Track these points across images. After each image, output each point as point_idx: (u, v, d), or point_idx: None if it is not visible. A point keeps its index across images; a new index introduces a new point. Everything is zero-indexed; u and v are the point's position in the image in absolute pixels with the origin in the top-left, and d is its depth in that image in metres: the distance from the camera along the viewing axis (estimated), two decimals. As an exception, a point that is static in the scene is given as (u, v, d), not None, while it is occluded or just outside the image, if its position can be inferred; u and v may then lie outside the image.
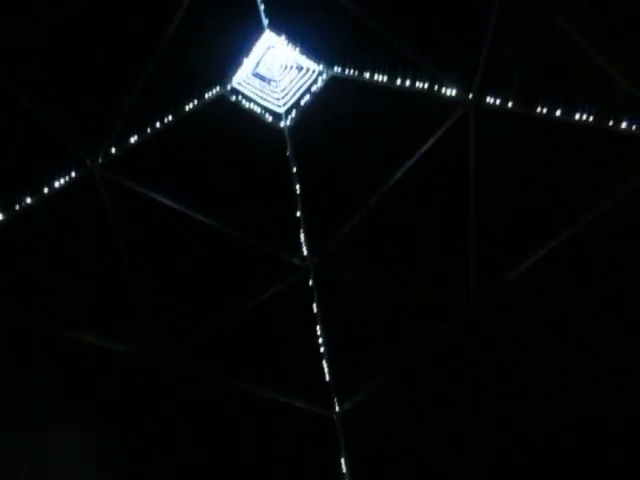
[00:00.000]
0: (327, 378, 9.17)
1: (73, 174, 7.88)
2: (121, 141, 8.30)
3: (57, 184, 7.75)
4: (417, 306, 8.90)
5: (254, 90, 9.84)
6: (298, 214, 9.55)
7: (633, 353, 7.08)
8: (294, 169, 9.49)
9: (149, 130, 8.60)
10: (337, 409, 8.99)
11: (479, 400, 7.82)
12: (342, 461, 8.60)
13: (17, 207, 7.43)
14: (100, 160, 8.15)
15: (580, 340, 7.28)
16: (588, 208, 7.08)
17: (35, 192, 7.53)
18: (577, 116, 6.85)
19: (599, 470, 6.69)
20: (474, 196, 8.00)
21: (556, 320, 7.59)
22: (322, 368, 9.24)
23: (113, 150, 8.28)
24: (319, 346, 9.31)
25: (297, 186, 9.50)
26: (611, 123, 6.61)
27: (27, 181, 7.37)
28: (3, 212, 7.38)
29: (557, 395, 7.17)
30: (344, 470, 8.57)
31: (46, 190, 7.63)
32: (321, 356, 9.28)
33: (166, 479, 8.06)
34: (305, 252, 9.48)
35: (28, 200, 7.49)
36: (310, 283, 9.40)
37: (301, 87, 9.64)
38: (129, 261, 8.55)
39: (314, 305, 9.46)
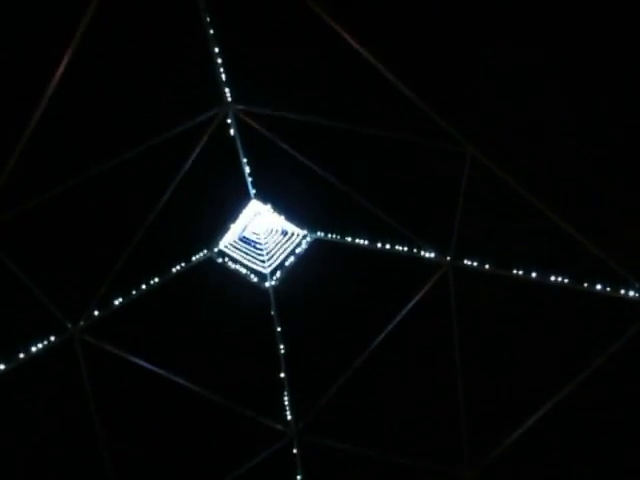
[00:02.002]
0: None
1: (52, 338, 7.79)
2: (105, 304, 8.34)
3: (34, 348, 7.62)
4: (407, 474, 8.44)
5: (240, 253, 10.16)
6: (282, 375, 9.36)
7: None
8: (278, 329, 9.48)
9: (134, 292, 8.69)
10: None
11: None
12: None
13: (-10, 373, 7.23)
14: (82, 323, 8.11)
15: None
16: (570, 368, 7.06)
17: (10, 357, 7.37)
18: (552, 278, 7.07)
19: None
20: (460, 356, 7.96)
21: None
22: None
23: (96, 313, 8.28)
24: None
25: (281, 346, 9.42)
26: (585, 285, 6.83)
27: (2, 344, 7.25)
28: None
29: None
30: None
31: (22, 355, 7.48)
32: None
33: None
34: (289, 417, 9.15)
35: (1, 367, 7.31)
36: (294, 450, 8.96)
37: (286, 249, 9.98)
38: (102, 427, 8.17)
39: (298, 475, 8.97)
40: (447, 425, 8.33)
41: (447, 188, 7.34)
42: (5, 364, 7.32)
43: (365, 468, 8.79)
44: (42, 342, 7.65)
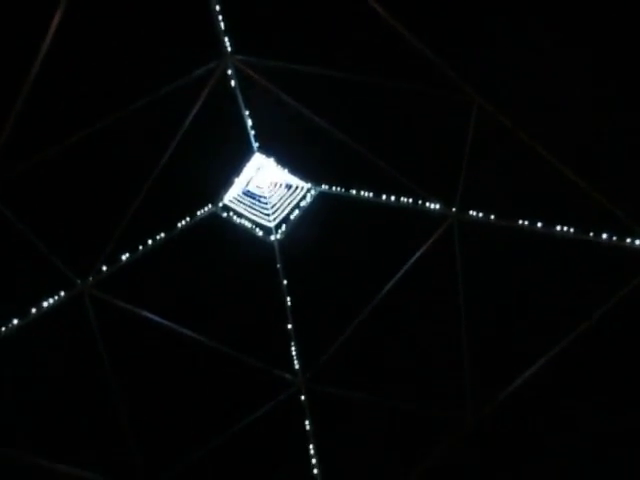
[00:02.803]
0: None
1: (62, 293, 7.88)
2: (113, 260, 8.40)
3: (46, 304, 7.73)
4: (412, 420, 8.64)
5: (245, 207, 10.15)
6: (289, 327, 9.51)
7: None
8: (284, 282, 9.56)
9: (141, 248, 8.74)
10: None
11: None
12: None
13: (3, 328, 7.35)
14: (90, 279, 8.19)
15: (581, 453, 7.03)
16: (575, 318, 7.13)
17: (23, 312, 7.49)
18: (558, 228, 7.05)
19: None
20: (465, 308, 8.04)
21: (556, 432, 7.37)
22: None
23: (104, 269, 8.35)
24: (312, 466, 8.91)
25: (287, 299, 9.52)
26: (591, 235, 6.81)
27: (16, 302, 7.36)
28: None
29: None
30: None
31: (34, 310, 7.59)
32: (314, 477, 8.87)
33: None
34: (297, 367, 9.33)
35: (15, 321, 7.43)
36: (302, 399, 9.17)
37: (290, 203, 9.96)
38: (116, 380, 8.35)
39: (306, 422, 9.19)
40: (451, 373, 8.47)
41: (453, 139, 7.26)
42: (18, 320, 7.43)
43: (371, 415, 9.00)
44: (53, 298, 7.74)
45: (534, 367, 7.89)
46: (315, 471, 8.83)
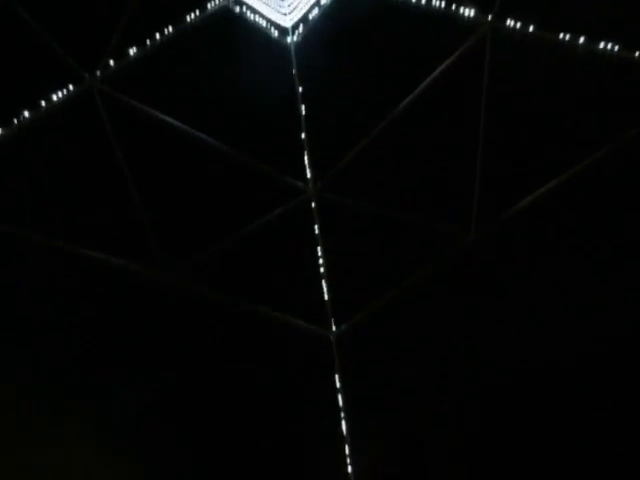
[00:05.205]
0: (325, 298, 9.29)
1: (72, 88, 7.57)
2: (120, 55, 7.94)
3: (55, 98, 7.46)
4: (419, 233, 8.90)
5: (259, 2, 9.31)
6: (302, 136, 9.35)
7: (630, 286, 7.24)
8: (299, 88, 9.17)
9: (149, 43, 8.21)
10: (334, 329, 9.19)
11: (476, 327, 8.02)
12: (336, 379, 8.89)
13: (15, 121, 7.19)
14: (98, 74, 7.82)
15: (580, 273, 7.40)
16: (600, 143, 6.97)
17: (33, 106, 7.26)
18: (601, 45, 6.57)
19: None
20: (484, 126, 7.82)
21: (557, 254, 7.67)
22: (321, 289, 9.36)
23: (112, 64, 7.93)
24: (319, 268, 9.39)
25: (302, 106, 9.21)
26: (637, 54, 6.36)
27: (25, 95, 7.09)
28: (1, 127, 7.15)
29: (557, 325, 7.36)
30: (338, 385, 8.88)
31: (44, 104, 7.35)
32: (321, 277, 9.38)
33: (160, 397, 8.18)
34: (309, 175, 9.35)
35: (26, 114, 7.23)
36: (313, 206, 9.34)
37: (309, 1, 9.13)
38: (128, 176, 8.39)
39: (316, 228, 9.45)
40: (461, 188, 8.51)
41: None
42: (29, 111, 7.23)
43: (378, 225, 9.22)
44: (62, 92, 7.45)
45: (545, 188, 7.86)
46: (321, 271, 9.33)
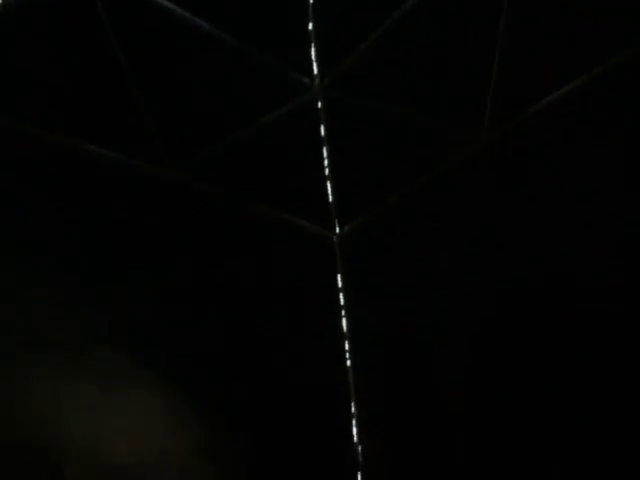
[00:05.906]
0: (330, 199, 9.23)
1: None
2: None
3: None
4: (429, 135, 8.65)
5: None
6: (310, 27, 8.86)
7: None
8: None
9: None
10: (337, 231, 9.20)
11: (484, 234, 8.01)
12: (338, 279, 9.03)
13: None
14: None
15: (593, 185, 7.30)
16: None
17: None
18: None
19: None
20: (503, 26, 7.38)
21: (570, 162, 7.54)
22: (325, 189, 9.27)
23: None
24: (324, 168, 9.25)
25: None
26: None
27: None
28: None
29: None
30: (339, 285, 9.03)
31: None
32: (325, 178, 9.26)
33: (159, 299, 8.21)
34: (315, 71, 8.97)
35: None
36: (319, 104, 9.03)
37: None
38: (127, 64, 7.98)
39: (321, 127, 9.19)
40: (475, 89, 8.16)
41: None
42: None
43: (387, 126, 8.94)
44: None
45: (556, 94, 7.62)
46: (326, 172, 9.18)
